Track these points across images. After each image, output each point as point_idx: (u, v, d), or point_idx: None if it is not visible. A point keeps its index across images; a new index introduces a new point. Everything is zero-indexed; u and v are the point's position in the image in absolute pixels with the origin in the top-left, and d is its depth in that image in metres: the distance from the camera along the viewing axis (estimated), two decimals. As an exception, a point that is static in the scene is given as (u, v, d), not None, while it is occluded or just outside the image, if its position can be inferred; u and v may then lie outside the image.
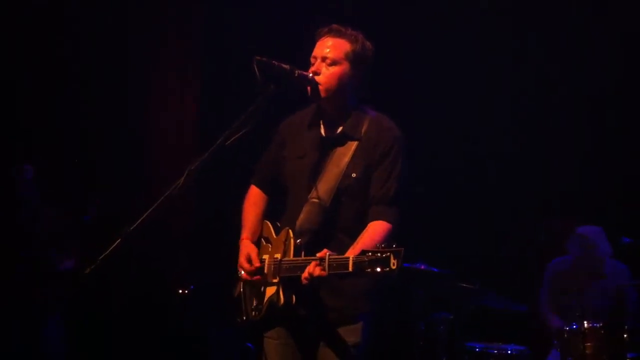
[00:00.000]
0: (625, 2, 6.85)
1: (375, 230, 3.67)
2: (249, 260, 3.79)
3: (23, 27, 6.77)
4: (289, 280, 3.64)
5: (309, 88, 3.78)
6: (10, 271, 5.95)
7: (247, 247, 3.86)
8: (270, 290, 3.74)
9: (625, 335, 5.42)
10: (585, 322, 5.50)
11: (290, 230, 3.73)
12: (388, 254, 3.29)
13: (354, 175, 3.75)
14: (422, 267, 5.21)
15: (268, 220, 3.98)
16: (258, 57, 3.62)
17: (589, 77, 6.94)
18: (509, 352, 5.76)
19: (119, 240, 3.36)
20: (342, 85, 3.79)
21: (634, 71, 6.80)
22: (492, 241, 6.87)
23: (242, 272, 3.83)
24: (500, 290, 5.49)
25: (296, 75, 3.72)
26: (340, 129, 3.84)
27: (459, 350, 5.72)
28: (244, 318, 3.88)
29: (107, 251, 3.37)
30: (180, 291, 6.13)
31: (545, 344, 6.13)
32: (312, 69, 3.79)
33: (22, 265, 5.95)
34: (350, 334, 3.75)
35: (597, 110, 6.96)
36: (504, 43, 7.08)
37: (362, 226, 3.71)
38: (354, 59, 3.79)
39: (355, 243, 3.62)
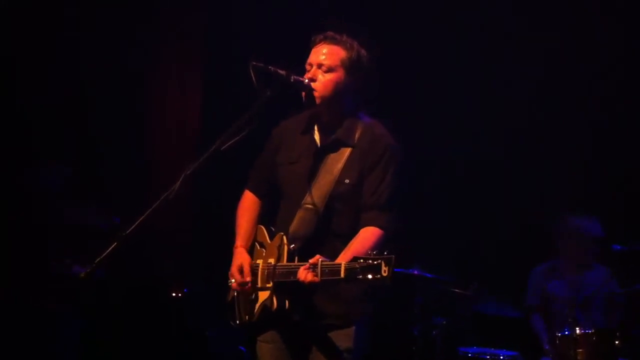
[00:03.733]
0: (625, 3, 6.85)
1: (366, 236, 3.70)
2: (241, 272, 3.82)
3: (22, 25, 6.75)
4: (283, 285, 3.67)
5: (303, 94, 3.80)
6: (23, 273, 5.96)
7: (240, 257, 3.89)
8: (263, 295, 3.76)
9: (617, 342, 5.45)
10: (577, 328, 5.53)
11: (284, 236, 3.76)
12: (379, 261, 3.31)
13: (347, 181, 3.77)
14: (416, 272, 5.23)
15: (262, 225, 4.01)
16: (254, 62, 3.64)
17: (587, 78, 6.94)
18: (501, 357, 5.78)
19: (115, 244, 3.39)
20: (337, 92, 3.81)
21: (633, 72, 6.80)
22: (487, 246, 6.87)
23: (233, 282, 3.85)
24: (494, 296, 5.50)
25: (292, 80, 3.74)
26: (334, 135, 3.86)
27: (452, 355, 5.73)
28: (238, 322, 3.91)
29: (103, 255, 3.40)
30: (174, 294, 6.13)
31: (537, 349, 6.16)
32: (308, 75, 3.81)
33: (34, 267, 5.96)
34: (344, 338, 3.77)
35: (597, 112, 6.95)
36: (505, 43, 7.07)
37: (355, 232, 3.73)
38: (350, 65, 3.82)
39: (346, 249, 3.65)
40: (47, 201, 6.07)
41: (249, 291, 3.81)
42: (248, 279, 3.79)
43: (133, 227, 3.43)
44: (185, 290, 6.11)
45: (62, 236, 6.11)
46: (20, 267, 5.96)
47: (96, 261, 3.41)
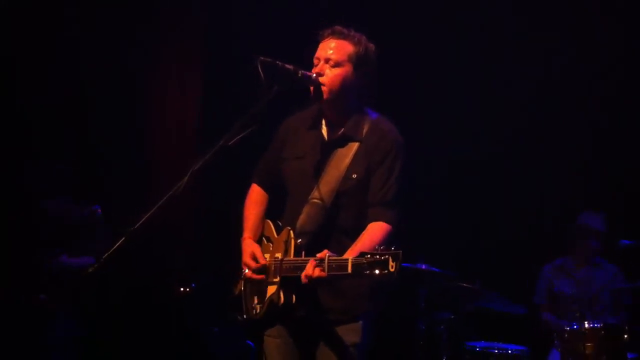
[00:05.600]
0: (625, 3, 6.87)
1: (374, 232, 3.69)
2: (254, 258, 3.81)
3: (22, 25, 6.75)
4: (290, 280, 3.66)
5: (311, 89, 3.80)
6: (18, 271, 5.94)
7: (250, 246, 3.88)
8: (270, 290, 3.76)
9: (625, 336, 5.47)
10: (585, 322, 5.56)
11: (291, 231, 3.76)
12: (387, 256, 3.31)
13: (354, 176, 3.78)
14: (424, 267, 5.22)
15: (269, 220, 4.00)
16: (262, 58, 3.64)
17: (587, 78, 6.95)
18: (509, 351, 5.78)
19: (122, 240, 3.38)
20: (344, 87, 3.81)
21: (633, 72, 6.81)
22: (494, 242, 6.88)
23: (247, 270, 3.85)
24: (500, 290, 5.50)
25: (300, 75, 3.74)
26: (341, 130, 3.86)
27: (459, 350, 5.73)
28: (245, 316, 3.91)
29: (110, 250, 3.39)
30: (182, 289, 6.12)
31: (545, 344, 6.18)
32: (315, 70, 3.81)
33: (30, 264, 5.94)
34: (350, 333, 3.77)
35: (597, 112, 6.96)
36: (505, 43, 7.08)
37: (362, 227, 3.73)
38: (357, 60, 3.82)
39: (354, 244, 3.65)
40: (46, 200, 6.06)
41: (263, 278, 3.79)
42: (263, 262, 3.79)
43: (140, 222, 3.42)
44: (192, 285, 6.10)
45: (60, 234, 6.12)
46: (19, 266, 5.95)
47: (104, 256, 3.40)
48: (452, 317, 5.52)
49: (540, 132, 7.08)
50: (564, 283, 6.47)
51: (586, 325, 5.53)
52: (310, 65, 3.86)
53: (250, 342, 5.92)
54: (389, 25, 6.86)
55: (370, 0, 7.06)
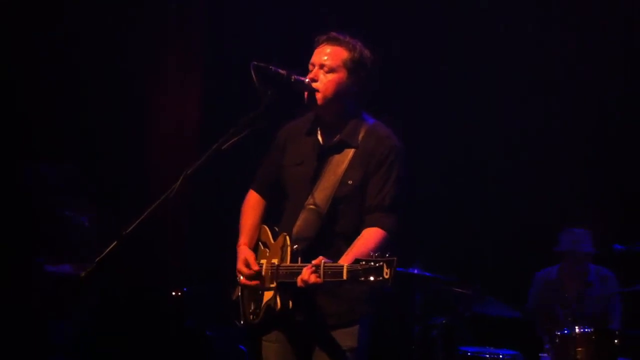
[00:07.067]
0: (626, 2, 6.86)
1: (368, 237, 3.70)
2: (247, 265, 3.82)
3: (23, 26, 6.76)
4: (286, 285, 3.67)
5: (305, 95, 3.81)
6: (19, 275, 5.96)
7: (244, 252, 3.89)
8: (267, 295, 3.78)
9: (616, 341, 5.45)
10: (576, 327, 5.54)
11: (287, 237, 3.76)
12: (381, 263, 3.31)
13: (350, 182, 3.78)
14: (417, 271, 5.21)
15: (266, 225, 4.01)
16: (255, 62, 3.64)
17: (588, 78, 6.94)
18: (501, 356, 5.77)
19: (115, 243, 3.38)
20: (339, 93, 3.82)
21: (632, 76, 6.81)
22: (489, 246, 6.87)
23: (241, 277, 3.85)
24: (494, 295, 5.50)
25: (293, 80, 3.75)
26: (337, 136, 3.87)
27: (452, 355, 5.72)
28: (242, 322, 3.92)
29: (103, 254, 3.39)
30: (174, 293, 6.13)
31: (537, 349, 6.16)
32: (310, 75, 3.82)
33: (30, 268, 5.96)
34: (347, 337, 3.78)
35: (595, 117, 6.95)
36: (505, 43, 7.07)
37: (358, 234, 3.73)
38: (352, 66, 3.82)
39: (348, 250, 3.65)
40: (48, 200, 6.08)
41: (257, 285, 3.80)
42: (256, 267, 3.80)
43: (133, 226, 3.42)
44: (184, 289, 6.11)
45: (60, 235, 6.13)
46: (19, 267, 5.96)
47: (96, 260, 3.40)
48: (445, 321, 5.51)
49: (539, 135, 7.06)
50: (555, 300, 6.42)
51: (577, 330, 5.50)
52: (307, 71, 3.86)
53: (243, 347, 5.93)
54: (388, 25, 6.87)
55: (368, 3, 7.04)
